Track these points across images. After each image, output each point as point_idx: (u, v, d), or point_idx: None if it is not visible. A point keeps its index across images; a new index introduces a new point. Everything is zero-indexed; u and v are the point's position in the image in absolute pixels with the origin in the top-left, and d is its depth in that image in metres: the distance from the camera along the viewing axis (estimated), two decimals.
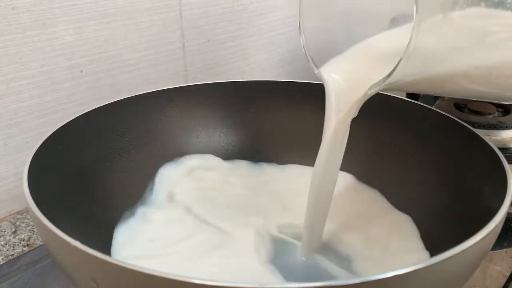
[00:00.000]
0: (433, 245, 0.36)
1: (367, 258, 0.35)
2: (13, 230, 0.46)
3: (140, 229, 0.38)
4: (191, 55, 0.59)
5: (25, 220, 0.47)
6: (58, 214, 0.31)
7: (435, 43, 0.26)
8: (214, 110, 0.48)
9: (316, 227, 0.35)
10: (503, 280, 0.38)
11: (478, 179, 0.35)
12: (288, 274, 0.33)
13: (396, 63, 0.25)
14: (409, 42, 0.24)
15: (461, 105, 0.58)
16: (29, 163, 0.32)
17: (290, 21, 0.70)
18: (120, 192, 0.41)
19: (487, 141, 0.35)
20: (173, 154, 0.46)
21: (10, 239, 0.44)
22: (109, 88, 0.52)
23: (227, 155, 0.48)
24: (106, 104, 0.41)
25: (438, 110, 0.41)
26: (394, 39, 0.26)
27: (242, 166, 0.47)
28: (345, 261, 0.35)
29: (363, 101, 0.31)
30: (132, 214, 0.39)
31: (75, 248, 0.24)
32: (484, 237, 0.25)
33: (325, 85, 0.32)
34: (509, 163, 0.32)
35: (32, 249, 0.43)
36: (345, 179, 0.44)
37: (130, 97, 0.43)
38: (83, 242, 0.24)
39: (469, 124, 0.38)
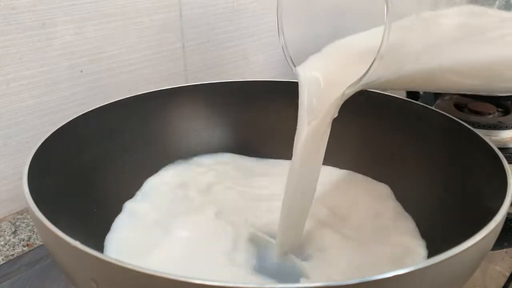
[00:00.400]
0: (433, 245, 0.36)
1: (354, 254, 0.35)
2: (13, 230, 0.46)
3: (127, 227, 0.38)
4: (191, 55, 0.59)
5: (25, 220, 0.47)
6: (58, 214, 0.31)
7: (409, 42, 0.26)
8: (214, 110, 0.48)
9: (292, 228, 0.35)
10: (503, 280, 0.38)
11: (478, 179, 0.35)
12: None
13: (371, 63, 0.25)
14: (382, 42, 0.24)
15: (461, 105, 0.58)
16: (29, 163, 0.32)
17: None
18: (120, 192, 0.41)
19: (487, 141, 0.35)
20: (173, 154, 0.46)
21: (10, 239, 0.44)
22: (109, 88, 0.52)
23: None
24: (106, 104, 0.41)
25: (438, 110, 0.41)
26: (372, 39, 0.27)
27: (241, 166, 0.47)
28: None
29: (342, 101, 0.31)
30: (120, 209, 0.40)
31: (75, 248, 0.24)
32: (484, 237, 0.25)
33: (299, 84, 0.32)
34: (509, 163, 0.32)
35: (32, 249, 0.43)
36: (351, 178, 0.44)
37: (130, 97, 0.43)
38: (83, 242, 0.24)
39: (469, 124, 0.38)
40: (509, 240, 0.42)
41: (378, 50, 0.25)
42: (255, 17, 0.65)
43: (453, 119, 0.39)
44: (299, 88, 0.32)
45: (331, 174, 0.45)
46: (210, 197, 0.42)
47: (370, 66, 0.26)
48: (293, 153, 0.33)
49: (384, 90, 0.44)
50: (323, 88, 0.32)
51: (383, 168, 0.44)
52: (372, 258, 0.35)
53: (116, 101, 0.42)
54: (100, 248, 0.36)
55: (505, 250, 0.41)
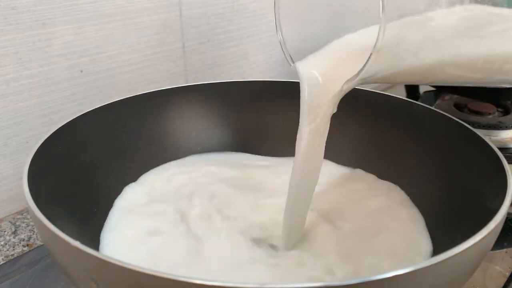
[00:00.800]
0: (433, 245, 0.36)
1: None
2: (13, 230, 0.46)
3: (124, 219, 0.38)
4: (191, 55, 0.59)
5: (25, 220, 0.47)
6: (58, 214, 0.31)
7: (406, 37, 0.26)
8: (214, 110, 0.48)
9: (296, 220, 0.36)
10: (503, 280, 0.38)
11: (478, 179, 0.35)
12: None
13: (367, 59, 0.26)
14: (378, 36, 0.25)
15: (461, 105, 0.58)
16: (29, 163, 0.32)
17: None
18: (120, 192, 0.41)
19: (487, 141, 0.35)
20: (173, 154, 0.46)
21: (10, 239, 0.44)
22: (109, 88, 0.52)
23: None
24: (106, 104, 0.41)
25: (438, 110, 0.41)
26: (371, 36, 0.27)
27: (240, 165, 0.47)
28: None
29: (340, 96, 0.32)
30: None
31: (75, 248, 0.24)
32: (484, 237, 0.25)
33: (300, 79, 0.33)
34: (509, 163, 0.32)
35: (32, 249, 0.43)
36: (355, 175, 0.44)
37: (130, 97, 0.43)
38: (83, 242, 0.24)
39: (469, 124, 0.38)
40: (509, 240, 0.42)
41: (375, 44, 0.25)
42: (255, 17, 0.65)
43: (453, 119, 0.39)
44: (300, 84, 0.33)
45: (330, 171, 0.45)
46: (211, 195, 0.42)
47: (367, 61, 0.26)
48: (296, 149, 0.34)
49: (384, 90, 0.44)
50: (321, 84, 0.32)
51: (383, 168, 0.44)
52: (373, 253, 0.35)
53: (116, 101, 0.42)
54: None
55: (505, 250, 0.41)
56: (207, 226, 0.38)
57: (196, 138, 0.47)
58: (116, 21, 0.51)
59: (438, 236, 0.36)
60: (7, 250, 0.43)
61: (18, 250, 0.43)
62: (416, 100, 0.46)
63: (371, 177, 0.45)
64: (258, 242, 0.36)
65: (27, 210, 0.47)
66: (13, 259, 0.42)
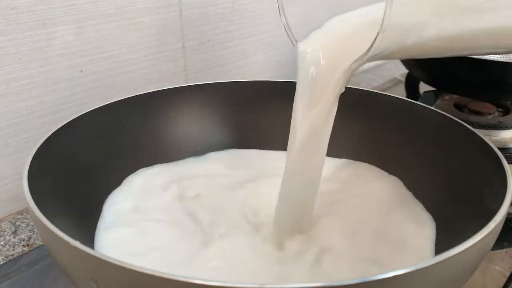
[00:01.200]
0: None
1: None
2: (13, 230, 0.46)
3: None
4: (191, 55, 0.59)
5: (25, 220, 0.47)
6: (58, 214, 0.31)
7: (412, 13, 0.26)
8: (214, 110, 0.48)
9: (300, 209, 0.35)
10: (503, 280, 0.38)
11: (478, 179, 0.35)
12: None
13: (374, 37, 0.25)
14: (384, 14, 0.24)
15: (461, 105, 0.58)
16: (29, 163, 0.32)
17: None
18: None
19: (487, 141, 0.35)
20: (173, 154, 0.46)
21: (10, 239, 0.44)
22: (109, 88, 0.52)
23: None
24: (106, 104, 0.41)
25: (438, 110, 0.41)
26: (375, 11, 0.26)
27: (239, 164, 0.46)
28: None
29: (349, 75, 0.31)
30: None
31: (75, 248, 0.24)
32: (484, 237, 0.25)
33: (300, 59, 0.32)
34: (509, 163, 0.32)
35: (32, 249, 0.43)
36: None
37: (130, 97, 0.43)
38: (83, 242, 0.24)
39: (469, 124, 0.38)
40: (509, 240, 0.42)
41: (381, 24, 0.24)
42: (255, 17, 0.65)
43: (453, 119, 0.39)
44: (299, 64, 0.32)
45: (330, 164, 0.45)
46: (210, 195, 0.42)
47: (374, 41, 0.25)
48: (290, 141, 0.33)
49: (384, 90, 0.44)
50: (327, 62, 0.31)
51: (383, 168, 0.44)
52: (375, 248, 0.35)
53: (116, 101, 0.42)
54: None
55: (505, 250, 0.42)
56: (207, 224, 0.38)
57: (196, 138, 0.47)
58: (116, 21, 0.51)
59: (438, 236, 0.36)
60: (7, 250, 0.43)
61: (18, 250, 0.43)
62: (416, 100, 0.46)
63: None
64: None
65: (27, 210, 0.47)
66: (13, 259, 0.42)
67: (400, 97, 0.44)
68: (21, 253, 0.42)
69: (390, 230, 0.37)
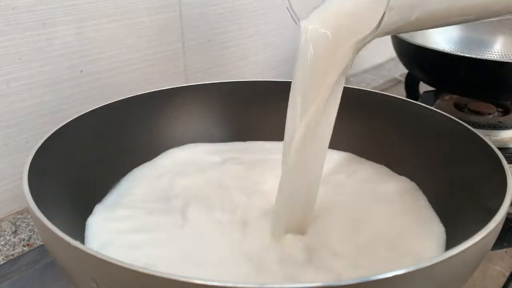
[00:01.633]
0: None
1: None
2: (13, 230, 0.46)
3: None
4: (191, 55, 0.59)
5: (25, 220, 0.47)
6: (58, 214, 0.31)
7: None
8: (214, 110, 0.48)
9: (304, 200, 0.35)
10: (503, 280, 0.38)
11: (478, 179, 0.35)
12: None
13: (380, 16, 0.25)
14: None
15: (461, 105, 0.58)
16: (29, 163, 0.32)
17: (290, 21, 0.70)
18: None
19: (487, 141, 0.35)
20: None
21: (10, 239, 0.44)
22: (109, 88, 0.52)
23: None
24: (106, 104, 0.41)
25: (438, 110, 0.41)
26: None
27: (239, 164, 0.46)
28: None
29: (355, 52, 0.30)
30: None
31: (75, 248, 0.24)
32: (484, 237, 0.25)
33: (303, 38, 0.31)
34: (509, 163, 0.32)
35: (32, 249, 0.43)
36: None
37: (130, 97, 0.43)
38: (83, 242, 0.24)
39: (469, 124, 0.38)
40: (509, 240, 0.43)
41: (387, 3, 0.24)
42: (255, 17, 0.65)
43: (453, 119, 0.39)
44: (301, 43, 0.31)
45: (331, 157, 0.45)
46: (210, 194, 0.42)
47: (381, 20, 0.25)
48: (287, 129, 0.32)
49: (384, 90, 0.44)
50: (331, 39, 0.30)
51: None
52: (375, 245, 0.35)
53: (116, 101, 0.42)
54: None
55: (505, 250, 0.42)
56: (207, 221, 0.38)
57: (196, 138, 0.47)
58: (116, 21, 0.51)
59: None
60: (7, 250, 0.43)
61: (18, 250, 0.43)
62: (416, 100, 0.46)
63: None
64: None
65: (27, 210, 0.47)
66: (13, 259, 0.42)
67: (400, 97, 0.44)
68: (21, 253, 0.42)
69: (391, 230, 0.37)
